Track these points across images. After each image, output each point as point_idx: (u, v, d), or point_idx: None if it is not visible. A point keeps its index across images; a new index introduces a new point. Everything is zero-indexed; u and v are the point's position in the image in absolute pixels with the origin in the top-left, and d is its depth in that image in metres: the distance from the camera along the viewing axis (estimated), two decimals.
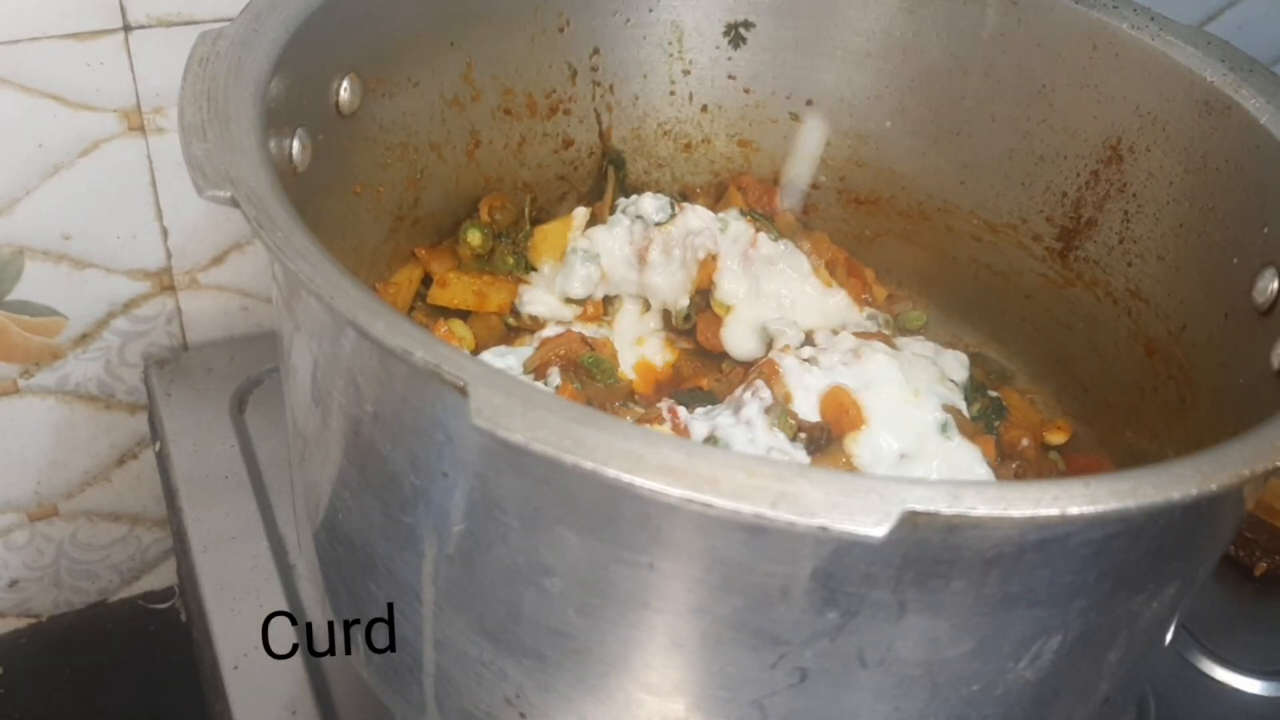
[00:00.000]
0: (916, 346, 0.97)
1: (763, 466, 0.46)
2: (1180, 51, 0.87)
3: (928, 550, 0.50)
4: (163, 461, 1.06)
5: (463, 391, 0.48)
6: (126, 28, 0.98)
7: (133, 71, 1.00)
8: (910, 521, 0.45)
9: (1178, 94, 0.87)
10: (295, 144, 0.75)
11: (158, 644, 1.34)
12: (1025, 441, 0.93)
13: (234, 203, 0.56)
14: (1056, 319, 1.02)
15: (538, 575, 0.56)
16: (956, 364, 0.96)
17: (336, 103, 0.82)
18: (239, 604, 0.92)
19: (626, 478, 0.45)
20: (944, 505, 0.46)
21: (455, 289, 0.99)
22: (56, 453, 1.19)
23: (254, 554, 0.96)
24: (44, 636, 1.32)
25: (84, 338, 1.13)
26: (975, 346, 1.09)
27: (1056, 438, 0.98)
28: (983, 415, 0.93)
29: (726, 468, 0.46)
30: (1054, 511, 0.47)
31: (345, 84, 0.82)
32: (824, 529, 0.44)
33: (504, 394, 0.48)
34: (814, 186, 1.12)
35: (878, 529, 0.44)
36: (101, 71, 0.99)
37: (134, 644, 1.34)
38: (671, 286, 1.00)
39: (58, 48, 0.96)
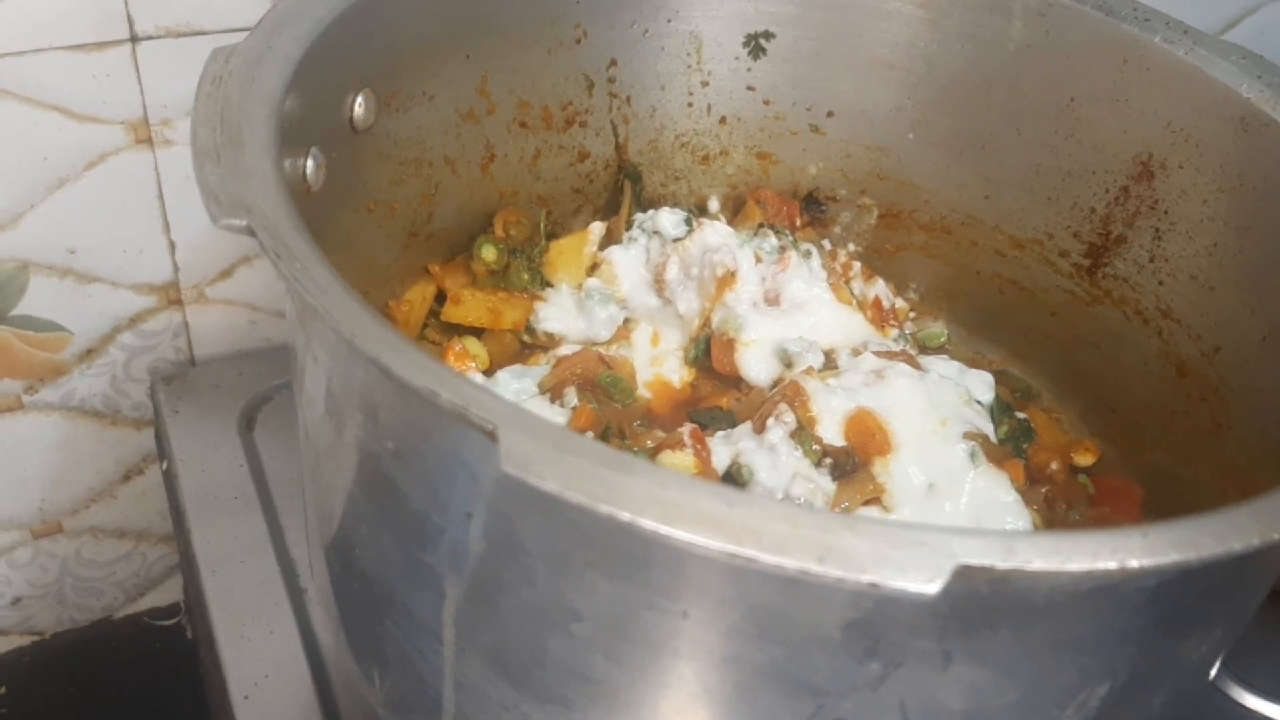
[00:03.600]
0: (941, 366, 0.94)
1: (806, 516, 0.44)
2: (1214, 66, 0.84)
3: (976, 600, 0.48)
4: (170, 480, 1.04)
5: (492, 436, 0.46)
6: (134, 39, 0.95)
7: (140, 83, 0.98)
8: (963, 576, 0.43)
9: (1212, 110, 0.85)
10: (309, 163, 0.73)
11: (163, 661, 1.32)
12: (1054, 465, 0.91)
13: (250, 232, 0.54)
14: (1082, 337, 1.00)
15: (565, 619, 0.53)
16: (982, 384, 0.94)
17: (351, 118, 0.80)
18: (249, 629, 0.90)
19: (664, 530, 0.43)
20: (998, 559, 0.44)
21: (469, 306, 0.97)
22: (61, 469, 1.17)
23: (264, 577, 0.94)
24: (47, 654, 1.30)
25: (89, 353, 1.11)
26: (999, 364, 1.07)
27: (1085, 459, 0.96)
28: (1010, 438, 0.91)
29: (768, 518, 0.44)
30: (1112, 565, 0.44)
31: (360, 99, 0.80)
32: (874, 585, 0.42)
33: (535, 438, 0.46)
34: (834, 199, 1.10)
35: (930, 585, 0.42)
36: (108, 83, 0.96)
37: (139, 661, 1.32)
38: (689, 310, 0.98)
39: (63, 59, 0.94)
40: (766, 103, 1.06)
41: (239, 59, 0.66)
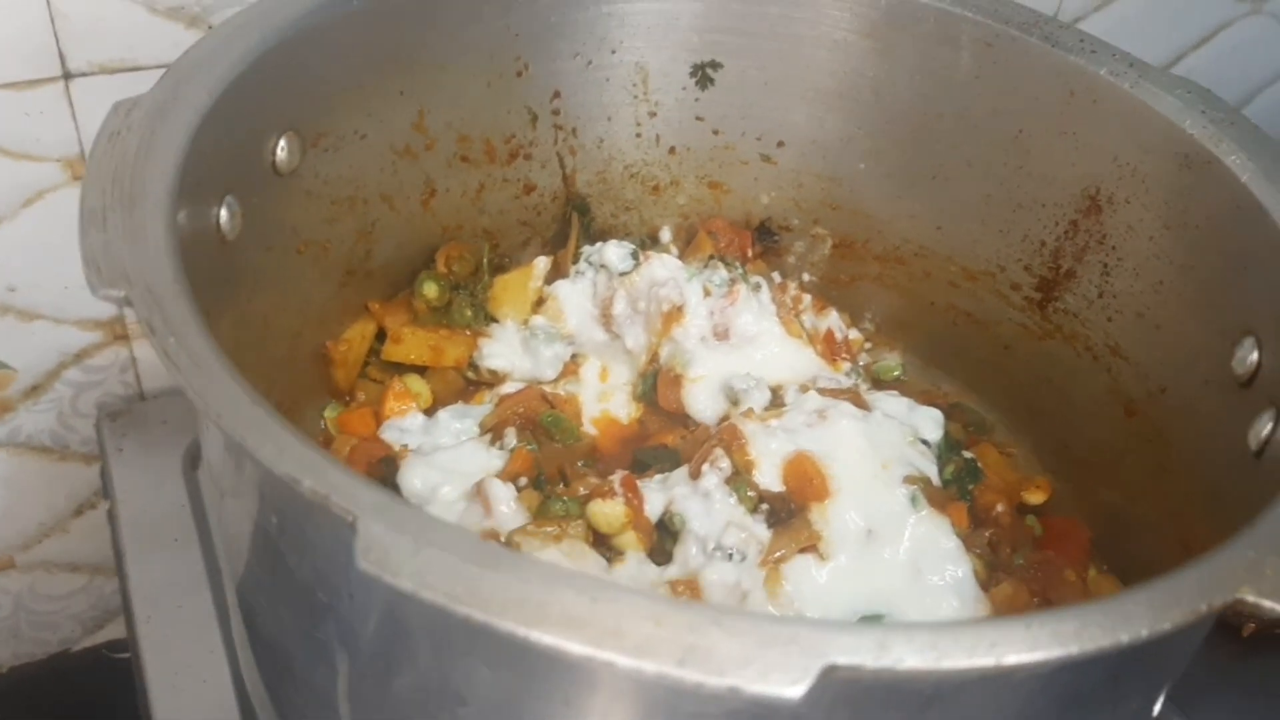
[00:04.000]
0: (889, 404, 0.92)
1: (674, 613, 0.43)
2: (1160, 100, 0.82)
3: (859, 689, 0.47)
4: (112, 521, 1.02)
5: (351, 527, 0.44)
6: (67, 75, 0.94)
7: (75, 120, 0.96)
8: (831, 676, 0.42)
9: (1156, 145, 0.83)
10: (223, 212, 0.72)
11: (122, 693, 1.31)
12: (1000, 507, 0.89)
13: (128, 303, 0.53)
14: (1035, 371, 0.98)
15: (451, 703, 0.52)
16: (931, 422, 0.92)
17: (273, 163, 0.79)
18: (181, 678, 0.88)
19: (522, 632, 0.41)
20: (869, 658, 0.42)
21: (410, 344, 0.95)
22: (9, 505, 1.16)
23: (199, 623, 0.92)
24: (5, 688, 1.29)
25: (34, 389, 1.10)
26: (954, 396, 1.05)
27: (1035, 497, 0.94)
28: (956, 479, 0.89)
29: (634, 617, 0.42)
30: (989, 662, 0.43)
31: (282, 143, 0.79)
32: (734, 690, 0.40)
33: (396, 530, 0.44)
34: (787, 229, 1.08)
35: (794, 688, 0.41)
36: (42, 120, 0.95)
37: (98, 694, 1.31)
38: (637, 345, 0.96)
39: None
40: (716, 132, 1.04)
41: (141, 112, 0.65)
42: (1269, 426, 0.69)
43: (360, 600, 0.51)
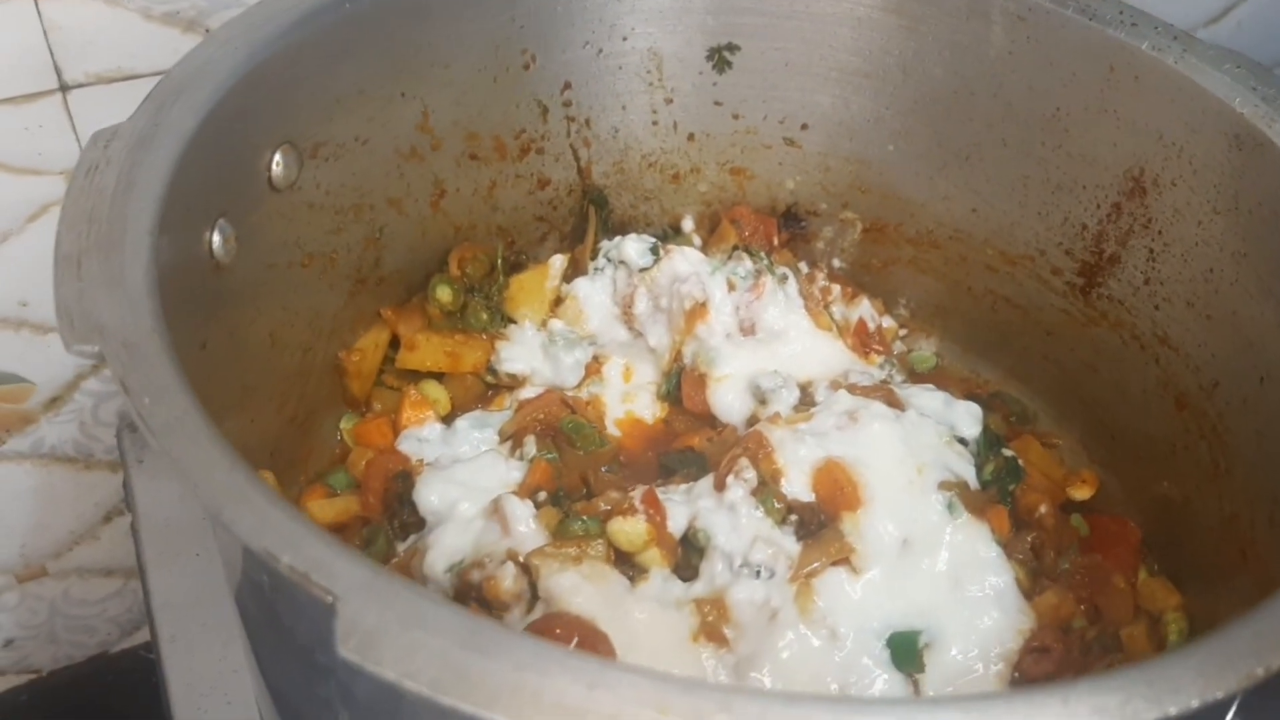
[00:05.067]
0: (924, 400, 0.88)
1: (679, 697, 0.40)
2: (1207, 77, 0.77)
3: None
4: (135, 534, 1.01)
5: (331, 609, 0.41)
6: (64, 88, 0.91)
7: (75, 131, 0.94)
8: None
9: (1205, 125, 0.77)
10: (215, 237, 0.69)
11: (160, 693, 1.31)
12: (1043, 509, 0.84)
13: (101, 358, 0.50)
14: (1080, 359, 0.93)
15: None
16: (969, 417, 0.88)
17: (269, 179, 0.76)
18: (205, 700, 0.87)
19: None
20: None
21: (425, 351, 0.93)
22: (39, 515, 1.15)
23: (223, 641, 0.91)
24: (46, 691, 1.29)
25: (54, 401, 1.08)
26: (995, 384, 1.01)
27: (1081, 493, 0.89)
28: (995, 479, 0.85)
29: (634, 703, 0.39)
30: None
31: (278, 157, 0.75)
32: None
33: (381, 609, 0.41)
34: (814, 214, 1.04)
35: None
36: (41, 134, 0.93)
37: (137, 694, 1.31)
38: (660, 344, 0.93)
39: None
40: (736, 117, 0.99)
41: (120, 143, 0.62)
42: None
43: (355, 673, 0.49)
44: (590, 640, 0.71)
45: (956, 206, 0.97)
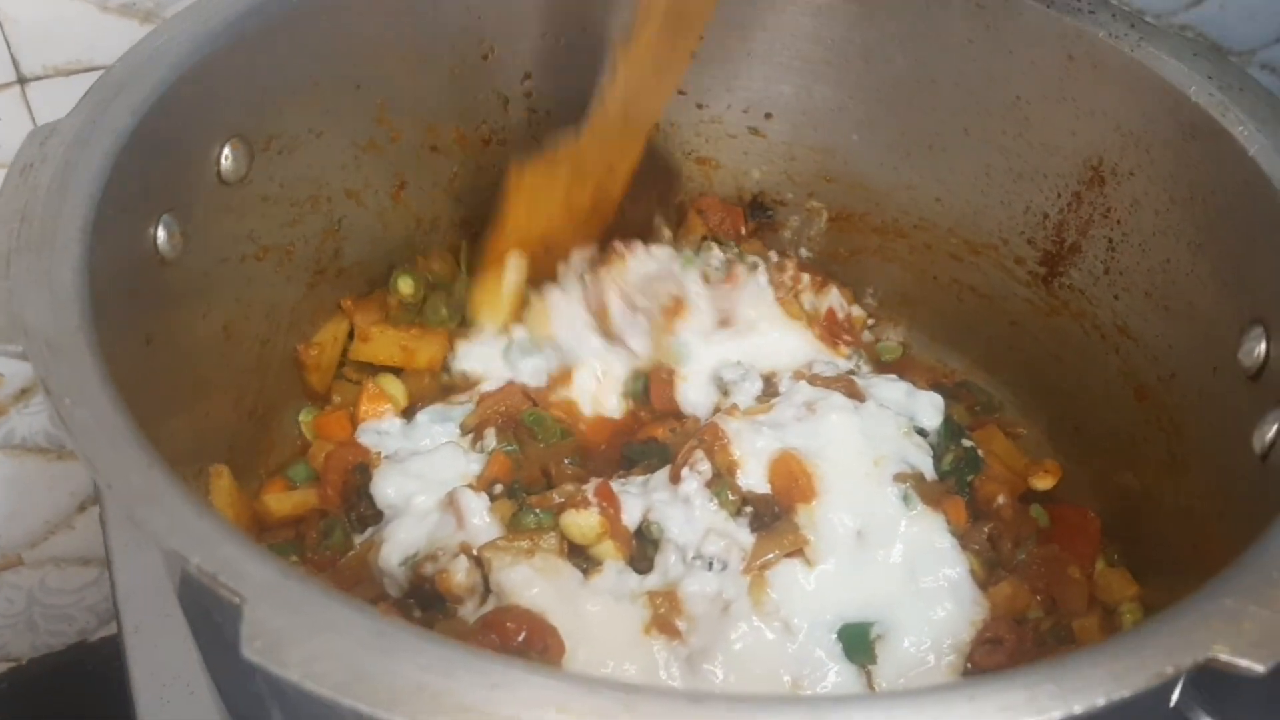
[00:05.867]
0: (886, 390, 0.88)
1: (580, 697, 0.40)
2: (1163, 65, 0.76)
3: None
4: (103, 525, 1.01)
5: (237, 611, 0.41)
6: (21, 80, 0.91)
7: (34, 124, 0.93)
8: None
9: (1160, 114, 0.77)
10: (160, 233, 0.69)
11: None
12: (1001, 499, 0.84)
13: (24, 357, 0.50)
14: (1045, 349, 0.93)
15: None
16: (930, 408, 0.87)
17: (218, 173, 0.75)
18: (169, 690, 0.87)
19: None
20: None
21: (378, 344, 0.92)
22: (12, 504, 1.16)
23: (187, 635, 0.90)
24: (25, 680, 1.30)
25: (24, 392, 1.09)
26: (962, 373, 1.00)
27: (1043, 482, 0.89)
28: (954, 470, 0.85)
29: (534, 705, 0.39)
30: None
31: (227, 151, 0.75)
32: None
33: (288, 612, 0.41)
34: (781, 203, 1.03)
35: None
36: (0, 127, 0.92)
37: (118, 682, 1.32)
38: (643, 349, 0.91)
39: None
40: (700, 106, 0.99)
41: (58, 140, 0.62)
42: (1275, 427, 0.64)
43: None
44: (540, 633, 0.71)
45: (921, 195, 0.96)
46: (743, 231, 1.02)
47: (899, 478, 0.80)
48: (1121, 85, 0.79)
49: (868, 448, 0.82)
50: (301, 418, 0.91)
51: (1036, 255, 0.91)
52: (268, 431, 0.88)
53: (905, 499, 0.79)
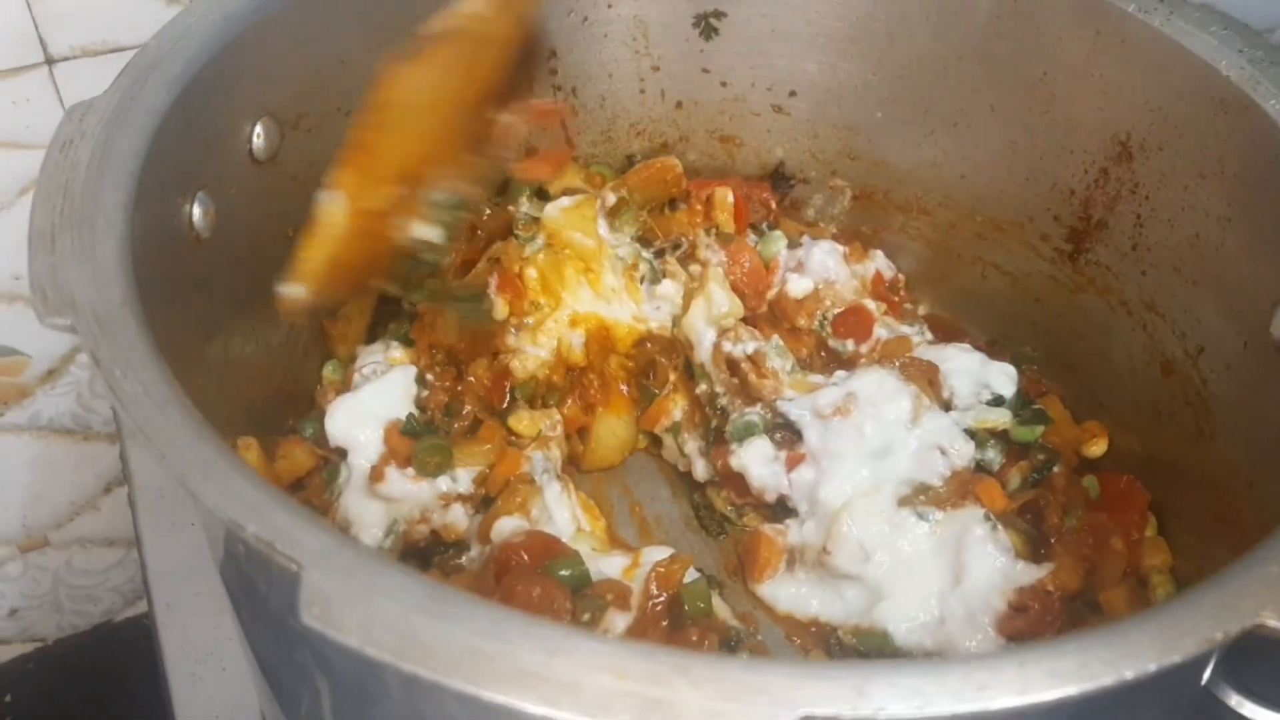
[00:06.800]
0: (961, 359, 0.87)
1: (637, 663, 0.40)
2: (1193, 40, 0.76)
3: None
4: (132, 504, 1.02)
5: (295, 578, 0.42)
6: (49, 61, 0.92)
7: (62, 104, 0.94)
8: None
9: (1190, 88, 0.77)
10: (195, 210, 0.69)
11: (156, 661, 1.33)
12: (1056, 468, 0.84)
13: (74, 331, 0.51)
14: (1068, 326, 0.93)
15: None
16: (1005, 377, 0.87)
17: (250, 150, 0.76)
18: (201, 667, 0.88)
19: (471, 690, 0.39)
20: (846, 707, 0.39)
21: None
22: (38, 486, 1.17)
23: (218, 609, 0.92)
24: (51, 660, 1.31)
25: (51, 374, 1.09)
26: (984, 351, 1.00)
27: (1096, 448, 0.88)
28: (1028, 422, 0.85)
29: (593, 669, 0.40)
30: (976, 708, 0.40)
31: (258, 129, 0.75)
32: None
33: (342, 578, 0.42)
34: (804, 181, 1.03)
35: None
36: (29, 108, 0.93)
37: (141, 662, 1.33)
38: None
39: None
40: (724, 84, 0.99)
41: (95, 117, 0.62)
42: None
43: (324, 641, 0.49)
44: (551, 547, 0.73)
45: (945, 173, 0.96)
46: (773, 206, 1.02)
47: (902, 502, 0.79)
48: (1150, 60, 0.79)
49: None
50: (326, 372, 0.90)
51: (1062, 232, 0.91)
52: (295, 406, 0.88)
53: (920, 515, 0.79)
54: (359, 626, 0.40)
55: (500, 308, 0.86)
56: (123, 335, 0.51)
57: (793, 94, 0.98)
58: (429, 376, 0.84)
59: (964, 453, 0.80)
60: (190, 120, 0.67)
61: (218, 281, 0.74)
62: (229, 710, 0.85)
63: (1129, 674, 0.41)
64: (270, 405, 0.85)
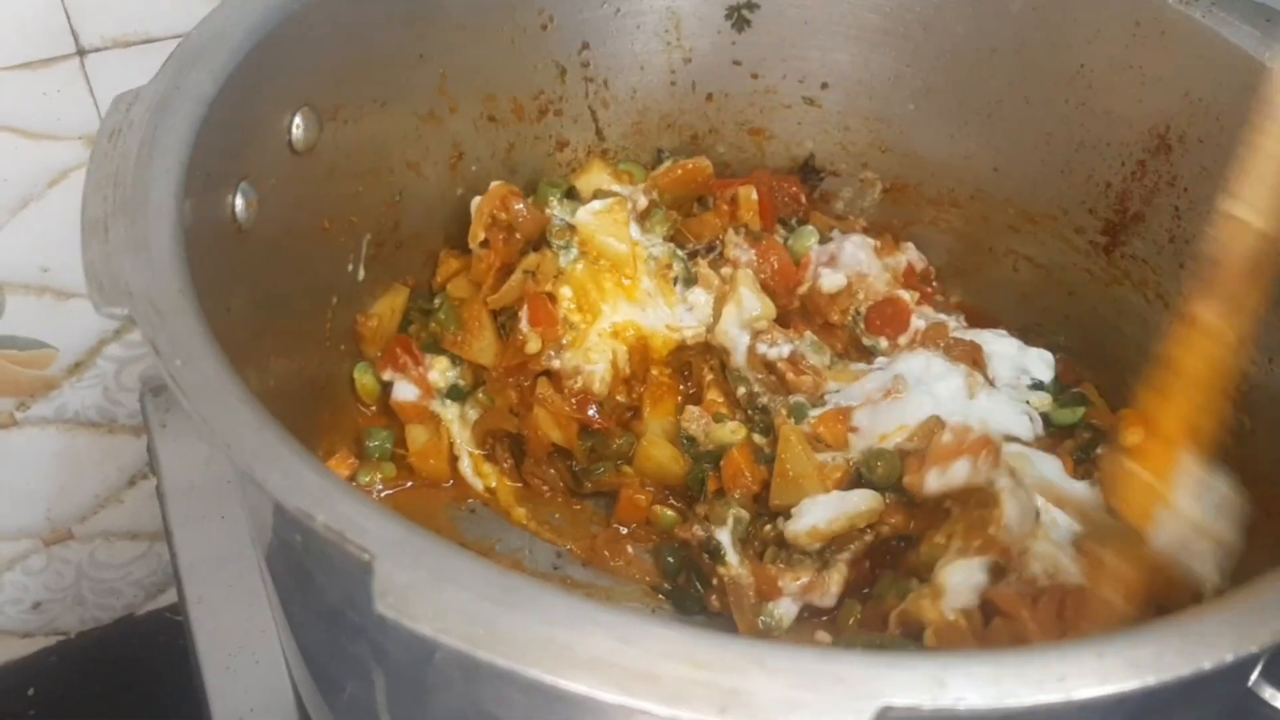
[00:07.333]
0: (999, 344, 0.88)
1: (713, 652, 0.40)
2: (1235, 30, 0.76)
3: None
4: (160, 497, 1.02)
5: (367, 567, 0.42)
6: (80, 52, 0.91)
7: (93, 95, 0.94)
8: (886, 718, 0.39)
9: (1232, 80, 0.76)
10: (238, 200, 0.69)
11: (187, 654, 1.33)
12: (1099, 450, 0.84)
13: (132, 320, 0.51)
14: (1103, 319, 0.93)
15: None
16: (1042, 363, 0.88)
17: (289, 141, 0.75)
18: (235, 659, 0.88)
19: (549, 679, 0.39)
20: (926, 698, 0.39)
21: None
22: (63, 479, 1.16)
23: (251, 602, 0.92)
24: (73, 653, 1.31)
25: (77, 366, 1.09)
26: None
27: (1134, 436, 0.88)
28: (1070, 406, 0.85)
29: (669, 658, 0.40)
30: (1057, 698, 0.40)
31: (298, 120, 0.75)
32: None
33: (414, 568, 0.42)
34: (834, 174, 1.03)
35: None
36: (60, 99, 0.93)
37: (165, 655, 1.33)
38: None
39: (10, 79, 0.90)
40: (755, 76, 0.98)
41: (142, 106, 0.62)
42: None
43: (389, 629, 0.49)
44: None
45: (978, 165, 0.96)
46: (803, 201, 1.01)
47: None
48: (1191, 51, 0.78)
49: None
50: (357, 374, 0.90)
51: (1098, 225, 0.90)
52: (328, 400, 0.88)
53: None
54: (433, 615, 0.40)
55: (534, 342, 0.85)
56: (181, 324, 0.51)
57: (824, 86, 0.98)
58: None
59: (1032, 427, 0.80)
60: (234, 110, 0.67)
61: (256, 273, 0.74)
62: (264, 701, 0.85)
63: (1207, 664, 0.41)
64: (304, 398, 0.85)
